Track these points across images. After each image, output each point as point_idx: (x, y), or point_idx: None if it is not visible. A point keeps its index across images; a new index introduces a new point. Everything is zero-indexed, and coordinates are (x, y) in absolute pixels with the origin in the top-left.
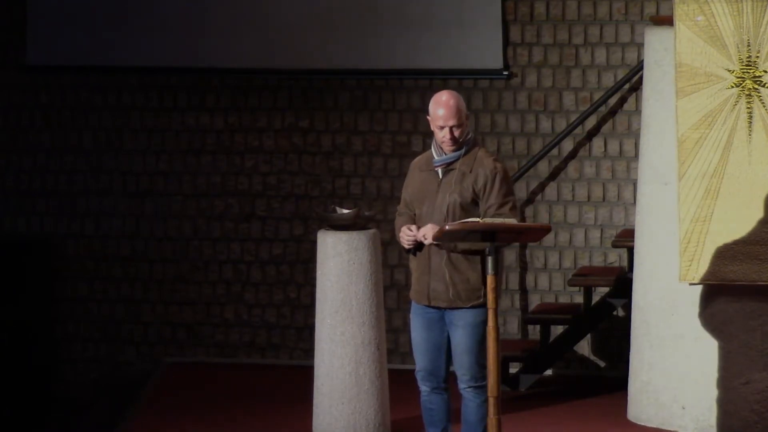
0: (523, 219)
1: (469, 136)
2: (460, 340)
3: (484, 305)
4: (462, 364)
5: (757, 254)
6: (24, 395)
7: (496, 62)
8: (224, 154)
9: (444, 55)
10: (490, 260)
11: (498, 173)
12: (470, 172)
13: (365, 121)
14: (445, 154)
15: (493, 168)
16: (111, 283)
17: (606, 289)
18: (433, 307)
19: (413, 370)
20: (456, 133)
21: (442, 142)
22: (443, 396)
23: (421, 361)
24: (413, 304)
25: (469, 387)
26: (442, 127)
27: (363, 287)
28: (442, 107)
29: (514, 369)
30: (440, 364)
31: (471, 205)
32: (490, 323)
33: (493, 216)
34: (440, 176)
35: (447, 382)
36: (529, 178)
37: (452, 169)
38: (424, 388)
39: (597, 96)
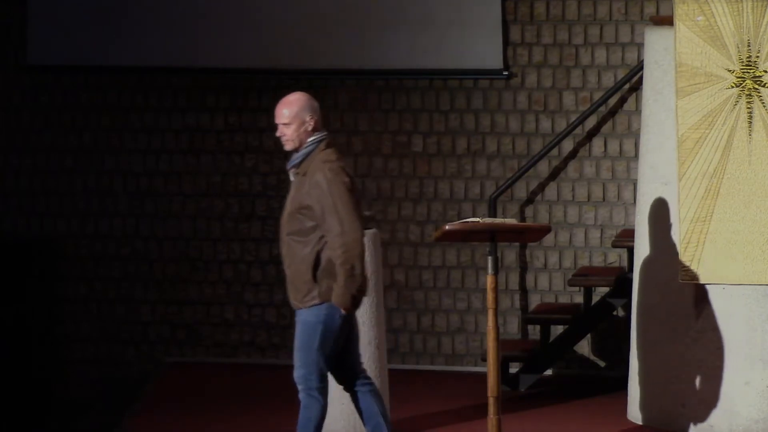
0: (523, 219)
1: (313, 138)
2: (296, 336)
3: (322, 306)
4: (294, 362)
5: (757, 254)
6: (24, 395)
7: (496, 62)
8: (224, 154)
9: (444, 55)
10: (490, 260)
11: (322, 178)
12: (304, 176)
13: (365, 121)
14: (294, 157)
15: (321, 175)
16: (111, 283)
17: (606, 289)
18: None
19: (413, 371)
20: (285, 132)
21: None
22: (364, 391)
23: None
24: None
25: (300, 386)
26: (276, 124)
27: None
28: (278, 104)
29: (514, 369)
30: (345, 363)
31: (309, 214)
32: (490, 323)
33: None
34: (291, 179)
35: (363, 376)
36: (529, 178)
37: (298, 173)
38: (345, 390)
39: (597, 96)
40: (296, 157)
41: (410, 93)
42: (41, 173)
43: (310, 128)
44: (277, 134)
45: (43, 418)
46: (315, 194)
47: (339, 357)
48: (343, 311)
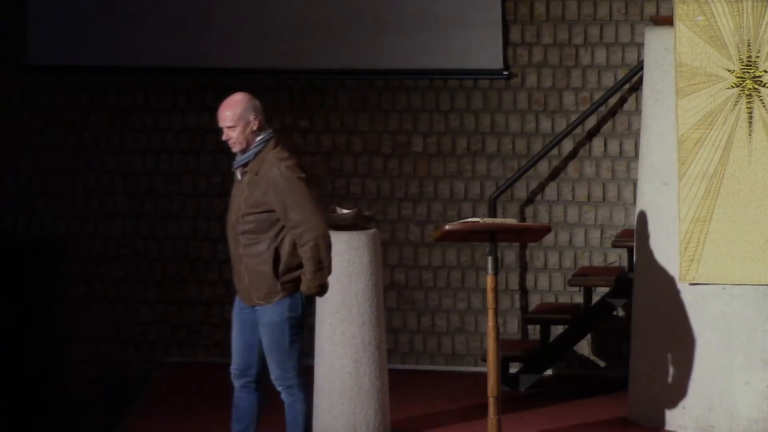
0: (523, 219)
1: (260, 137)
2: (262, 339)
3: (283, 299)
4: (269, 364)
5: (757, 254)
6: (24, 395)
7: (496, 62)
8: (224, 154)
9: (444, 55)
10: (490, 260)
11: (279, 176)
12: (256, 175)
13: (365, 121)
14: (239, 157)
15: (277, 173)
16: (111, 283)
17: (606, 289)
18: (248, 305)
19: (413, 371)
20: (230, 135)
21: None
22: (253, 395)
23: (233, 356)
24: (236, 298)
25: (280, 387)
26: (221, 128)
27: (363, 287)
28: (220, 107)
29: (514, 369)
30: (251, 363)
31: (264, 215)
32: (490, 323)
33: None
34: (239, 178)
35: (260, 381)
36: (529, 178)
37: (246, 173)
38: (234, 383)
39: (597, 96)
40: (244, 157)
41: (410, 93)
42: (41, 173)
43: (255, 128)
44: (223, 138)
45: (43, 418)
46: (274, 192)
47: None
48: (308, 294)
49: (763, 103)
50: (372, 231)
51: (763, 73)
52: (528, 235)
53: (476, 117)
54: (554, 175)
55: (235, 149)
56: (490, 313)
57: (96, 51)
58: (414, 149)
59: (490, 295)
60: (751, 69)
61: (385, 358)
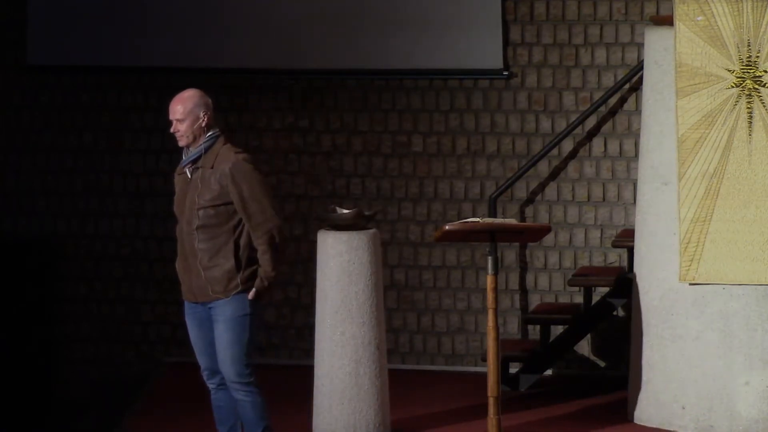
0: (523, 219)
1: (210, 134)
2: (219, 334)
3: (242, 293)
4: (224, 360)
5: (757, 254)
6: (24, 395)
7: (496, 62)
8: None
9: (444, 55)
10: (490, 260)
11: (237, 169)
12: (211, 168)
13: (365, 121)
14: (188, 154)
15: (233, 164)
16: (111, 283)
17: (606, 289)
18: (200, 303)
19: (413, 371)
20: (179, 128)
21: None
22: (230, 392)
23: (200, 360)
24: (185, 302)
25: (234, 383)
26: (170, 121)
27: (363, 287)
28: (172, 101)
29: (514, 369)
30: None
31: (222, 207)
32: (490, 323)
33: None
34: (189, 177)
35: None
36: (529, 178)
37: (199, 167)
38: (209, 386)
39: (597, 96)
40: (194, 153)
41: (410, 93)
42: (41, 173)
43: (203, 124)
44: (171, 130)
45: (43, 418)
46: (231, 183)
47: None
48: (260, 288)
49: (763, 103)
50: (372, 231)
51: (763, 73)
52: (528, 235)
53: (476, 117)
54: (554, 175)
55: (182, 143)
56: (490, 313)
57: (96, 51)
58: (414, 149)
59: (490, 295)
60: (751, 69)
61: (385, 358)
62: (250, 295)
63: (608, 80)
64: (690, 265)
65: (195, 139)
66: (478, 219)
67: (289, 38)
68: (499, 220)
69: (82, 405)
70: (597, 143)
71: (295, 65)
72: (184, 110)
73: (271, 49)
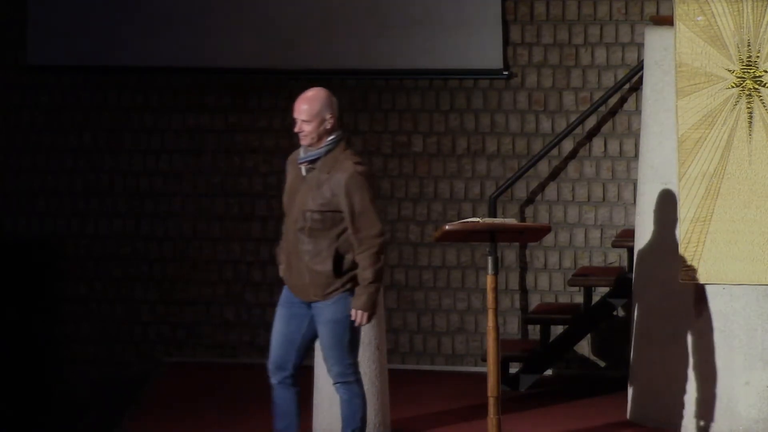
0: (523, 219)
1: (332, 137)
2: (320, 335)
3: (343, 295)
4: (326, 360)
5: (757, 254)
6: (24, 395)
7: (496, 62)
8: (224, 154)
9: (444, 55)
10: (490, 260)
11: (353, 180)
12: (327, 174)
13: (365, 121)
14: (307, 152)
15: (349, 176)
16: (111, 283)
17: (606, 289)
18: (303, 301)
19: (413, 371)
20: (304, 128)
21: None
22: (291, 390)
23: (272, 350)
24: (284, 290)
25: (337, 383)
26: (295, 119)
27: None
28: (298, 99)
29: (514, 369)
30: (289, 358)
31: (329, 214)
32: (490, 323)
33: (359, 247)
34: (304, 175)
35: (296, 376)
36: (529, 178)
37: (314, 169)
38: (272, 381)
39: (597, 96)
40: (314, 153)
41: (410, 93)
42: (41, 173)
43: (329, 126)
44: (296, 130)
45: (43, 418)
46: (345, 194)
47: (305, 345)
48: (367, 316)
49: (763, 103)
50: None
51: (763, 73)
52: (528, 235)
53: (476, 117)
54: (554, 175)
55: (304, 143)
56: (490, 313)
57: (96, 51)
58: (414, 149)
59: (490, 295)
60: (751, 69)
61: (385, 358)
62: (356, 319)
63: (608, 80)
64: (690, 265)
65: (319, 140)
66: (478, 219)
67: (289, 38)
68: (499, 220)
69: (82, 405)
70: (597, 143)
71: (295, 65)
72: (311, 111)
73: (271, 49)
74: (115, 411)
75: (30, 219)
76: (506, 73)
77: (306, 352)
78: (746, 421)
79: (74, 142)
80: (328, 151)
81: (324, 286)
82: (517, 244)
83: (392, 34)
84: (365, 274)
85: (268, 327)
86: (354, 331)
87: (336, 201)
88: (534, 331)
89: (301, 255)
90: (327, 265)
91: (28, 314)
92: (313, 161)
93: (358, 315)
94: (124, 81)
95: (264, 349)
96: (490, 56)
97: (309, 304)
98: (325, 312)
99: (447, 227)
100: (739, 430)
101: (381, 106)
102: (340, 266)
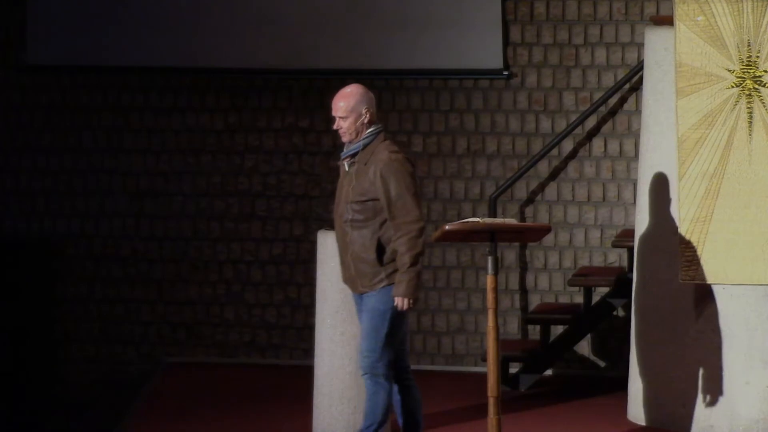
0: (523, 219)
1: (371, 130)
2: (361, 323)
3: (388, 287)
4: (360, 349)
5: (757, 254)
6: (24, 395)
7: (496, 62)
8: (224, 154)
9: (444, 55)
10: (490, 260)
11: (387, 167)
12: (365, 165)
13: None
14: (348, 148)
15: (384, 163)
16: (111, 283)
17: (606, 289)
18: (357, 294)
19: (413, 371)
20: (342, 125)
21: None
22: (405, 389)
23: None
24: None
25: (366, 374)
26: (333, 117)
27: None
28: (335, 97)
29: (514, 369)
30: (395, 356)
31: (370, 203)
32: (490, 323)
33: (396, 234)
34: (347, 169)
35: (409, 372)
36: (529, 178)
37: (356, 162)
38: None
39: (597, 96)
40: (353, 148)
41: (410, 93)
42: (41, 173)
43: (366, 120)
44: (334, 127)
45: (42, 418)
46: (381, 182)
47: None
48: (409, 302)
49: (763, 103)
50: None
51: (763, 73)
52: (528, 235)
53: (476, 117)
54: (554, 175)
55: (345, 139)
56: (490, 313)
57: (96, 51)
58: (414, 149)
59: (490, 295)
60: (751, 69)
61: None
62: (398, 304)
63: (608, 80)
64: (690, 265)
65: (357, 134)
66: (478, 219)
67: (289, 38)
68: (499, 220)
69: (82, 405)
70: (597, 143)
71: (295, 65)
72: (347, 107)
73: (271, 49)
74: (115, 411)
75: (30, 219)
76: (506, 73)
77: (403, 341)
78: (746, 421)
79: (74, 142)
80: (366, 144)
81: (370, 276)
82: (517, 244)
83: (392, 34)
84: (403, 259)
85: (267, 327)
86: (393, 326)
87: (373, 189)
88: (534, 331)
89: (348, 247)
90: (370, 255)
91: (28, 314)
92: (353, 155)
93: (399, 302)
94: (124, 81)
95: (264, 348)
96: (490, 56)
97: (361, 297)
98: (369, 301)
99: (447, 227)
100: (739, 430)
101: (381, 106)
102: (382, 256)
